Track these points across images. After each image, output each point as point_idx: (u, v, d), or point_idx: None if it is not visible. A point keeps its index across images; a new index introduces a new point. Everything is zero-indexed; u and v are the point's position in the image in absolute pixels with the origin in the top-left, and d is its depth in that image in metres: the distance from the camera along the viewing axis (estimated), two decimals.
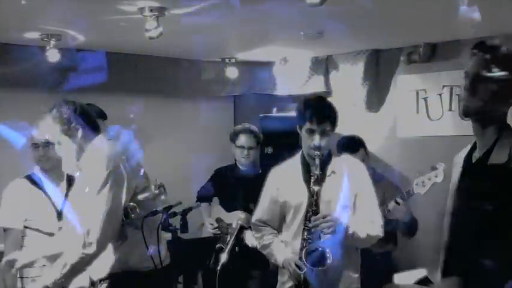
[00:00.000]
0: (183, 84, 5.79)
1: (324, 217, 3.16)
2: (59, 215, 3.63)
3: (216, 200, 4.95)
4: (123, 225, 3.02)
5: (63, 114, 3.13)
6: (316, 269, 3.17)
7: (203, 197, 4.95)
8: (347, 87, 5.51)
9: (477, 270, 2.08)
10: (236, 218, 4.49)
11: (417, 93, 5.17)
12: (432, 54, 5.04)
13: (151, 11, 3.66)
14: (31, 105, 5.08)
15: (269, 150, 4.90)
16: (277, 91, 6.12)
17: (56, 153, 3.48)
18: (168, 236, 3.41)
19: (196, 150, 5.07)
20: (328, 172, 3.31)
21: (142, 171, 3.23)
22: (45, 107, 4.28)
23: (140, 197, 3.03)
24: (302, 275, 3.18)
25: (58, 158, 3.49)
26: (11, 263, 3.23)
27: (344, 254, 3.26)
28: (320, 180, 3.26)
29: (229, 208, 4.69)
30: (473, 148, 2.30)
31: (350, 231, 3.22)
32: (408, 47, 5.14)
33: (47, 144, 3.57)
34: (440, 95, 5.02)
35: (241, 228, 3.68)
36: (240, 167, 4.83)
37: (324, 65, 5.68)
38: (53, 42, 4.52)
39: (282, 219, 3.47)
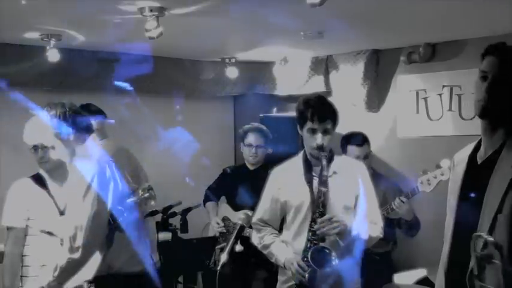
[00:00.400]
0: (183, 84, 5.79)
1: (329, 219, 3.16)
2: (62, 215, 3.63)
3: (223, 199, 4.96)
4: (111, 229, 2.99)
5: (53, 119, 3.11)
6: (321, 271, 3.17)
7: (211, 196, 4.95)
8: (347, 87, 5.51)
9: (484, 271, 2.08)
10: (239, 216, 4.48)
11: (417, 93, 5.17)
12: (432, 54, 5.05)
13: (151, 11, 3.66)
14: (31, 105, 5.12)
15: (269, 150, 4.90)
16: (277, 91, 6.12)
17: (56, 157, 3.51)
18: (167, 236, 3.41)
19: (196, 150, 5.06)
20: (330, 172, 3.30)
21: (142, 172, 3.22)
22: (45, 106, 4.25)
23: (129, 200, 3.00)
24: (307, 276, 3.18)
25: (59, 158, 3.51)
26: None
27: (346, 256, 3.26)
28: (325, 181, 3.27)
29: (237, 207, 4.68)
30: (477, 148, 2.28)
31: (354, 233, 3.22)
32: (408, 47, 5.15)
33: (45, 146, 3.56)
34: (440, 95, 5.02)
35: (242, 228, 3.66)
36: (249, 166, 4.84)
37: (324, 65, 5.68)
38: (53, 42, 4.52)
39: (283, 219, 3.47)
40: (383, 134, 5.35)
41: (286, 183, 3.42)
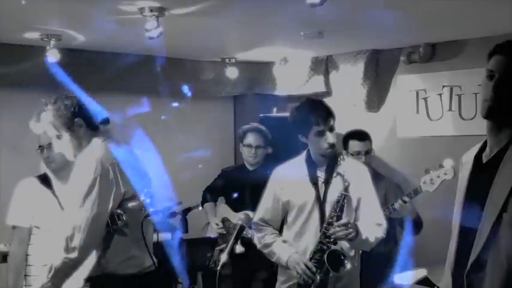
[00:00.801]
0: (183, 85, 5.79)
1: (346, 224, 3.16)
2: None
3: (221, 199, 4.93)
4: (109, 231, 2.97)
5: (67, 108, 3.08)
6: (333, 274, 3.18)
7: (209, 197, 4.93)
8: (347, 87, 5.51)
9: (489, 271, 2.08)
10: (238, 217, 4.47)
11: (417, 93, 5.17)
12: (432, 54, 5.05)
13: (151, 11, 3.66)
14: (31, 105, 5.12)
15: (269, 150, 4.89)
16: (277, 91, 6.12)
17: (60, 152, 3.48)
18: (167, 236, 3.41)
19: (196, 150, 5.06)
20: (334, 174, 3.32)
21: (146, 177, 3.20)
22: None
23: (130, 204, 2.98)
24: (318, 277, 3.19)
25: (65, 158, 3.46)
26: None
27: (350, 257, 3.27)
28: (327, 182, 3.28)
29: (237, 208, 4.64)
30: (483, 147, 2.28)
31: (364, 237, 3.23)
32: (408, 47, 5.15)
33: (51, 145, 3.56)
34: (440, 95, 5.02)
35: (242, 228, 3.66)
36: (248, 167, 4.81)
37: (324, 65, 5.68)
38: (53, 42, 4.53)
39: (284, 219, 3.47)
40: (383, 134, 5.35)
41: (289, 183, 3.42)
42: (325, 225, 3.22)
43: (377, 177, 4.40)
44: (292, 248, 3.36)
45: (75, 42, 4.77)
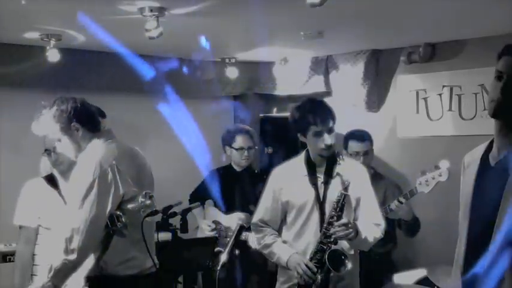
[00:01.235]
0: (183, 84, 5.79)
1: (346, 224, 3.16)
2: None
3: (209, 202, 4.81)
4: (108, 232, 2.97)
5: (63, 113, 3.09)
6: (334, 273, 3.18)
7: (196, 199, 4.75)
8: (347, 87, 5.51)
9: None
10: (237, 218, 4.46)
11: (417, 93, 5.17)
12: (432, 54, 5.04)
13: (151, 11, 3.66)
14: (31, 105, 5.12)
15: (269, 150, 4.88)
16: (277, 91, 6.12)
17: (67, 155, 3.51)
18: (167, 236, 3.40)
19: (196, 151, 5.06)
20: (334, 174, 3.31)
21: (148, 178, 3.21)
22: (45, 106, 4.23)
23: (129, 206, 2.97)
24: (319, 277, 3.19)
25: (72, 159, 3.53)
26: None
27: (350, 258, 3.27)
28: (326, 182, 3.28)
29: (227, 210, 4.60)
30: (489, 148, 2.27)
31: (363, 236, 3.23)
32: (408, 47, 5.14)
33: (55, 147, 3.59)
34: (440, 95, 5.02)
35: (241, 229, 3.66)
36: (236, 168, 4.75)
37: (324, 65, 5.68)
38: (53, 42, 4.53)
39: (283, 219, 3.47)
40: (383, 134, 5.35)
41: (288, 184, 3.42)
42: (325, 225, 3.22)
43: (376, 177, 4.41)
44: (292, 249, 3.36)
45: (75, 42, 4.77)
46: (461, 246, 2.25)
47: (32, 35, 4.49)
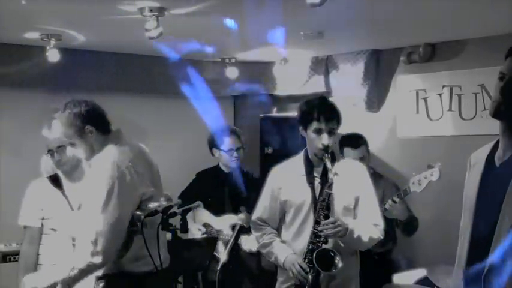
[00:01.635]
0: (183, 84, 5.79)
1: (333, 222, 3.16)
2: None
3: (199, 204, 4.58)
4: (129, 232, 2.98)
5: (76, 116, 3.09)
6: (325, 273, 3.17)
7: (185, 202, 4.74)
8: (347, 87, 5.51)
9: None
10: (228, 220, 4.44)
11: (417, 93, 5.17)
12: (432, 54, 5.05)
13: (151, 11, 3.66)
14: (31, 105, 5.13)
15: (269, 150, 4.86)
16: (277, 91, 6.12)
17: (71, 155, 3.54)
18: (168, 236, 3.41)
19: (196, 151, 5.05)
20: (331, 174, 3.30)
21: (160, 179, 3.24)
22: (45, 107, 4.29)
23: (150, 205, 2.97)
24: (310, 277, 3.18)
25: (76, 158, 3.56)
26: None
27: (346, 257, 3.26)
28: (331, 183, 3.27)
29: (217, 212, 4.50)
30: (494, 149, 2.27)
31: (355, 235, 3.23)
32: (408, 47, 5.15)
33: (60, 148, 3.60)
34: (440, 95, 5.02)
35: (241, 229, 3.66)
36: (224, 169, 4.66)
37: (324, 65, 5.68)
38: (53, 42, 4.53)
39: (282, 218, 3.47)
40: (383, 134, 5.35)
41: (287, 183, 3.42)
42: (314, 224, 3.23)
43: (375, 177, 4.41)
44: (289, 249, 3.36)
45: (75, 42, 4.77)
46: (464, 246, 2.25)
47: (32, 35, 4.50)
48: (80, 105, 3.11)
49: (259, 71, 6.10)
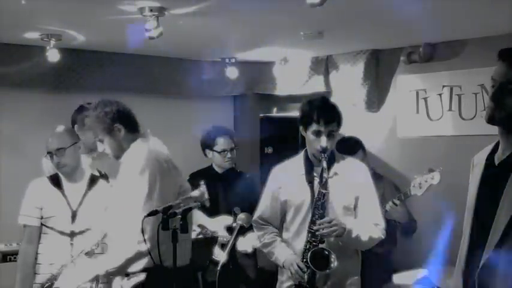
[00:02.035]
0: (183, 84, 5.79)
1: (329, 221, 3.16)
2: (73, 216, 3.68)
3: (198, 204, 4.74)
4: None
5: (107, 114, 3.24)
6: (320, 273, 3.17)
7: None
8: (347, 87, 5.51)
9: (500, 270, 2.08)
10: (223, 221, 4.43)
11: (417, 93, 5.17)
12: (432, 54, 5.04)
13: (151, 11, 3.66)
14: (31, 105, 5.13)
15: (269, 150, 4.85)
16: (277, 91, 6.12)
17: (70, 156, 3.64)
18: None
19: (196, 151, 5.05)
20: (331, 173, 3.30)
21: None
22: (45, 107, 4.32)
23: (192, 194, 3.13)
24: (306, 277, 3.19)
25: (75, 159, 3.67)
26: None
27: (346, 257, 3.26)
28: (326, 183, 3.27)
29: (211, 213, 4.46)
30: (495, 149, 2.28)
31: (353, 235, 3.22)
32: (408, 47, 5.14)
33: (59, 151, 3.66)
34: (440, 95, 5.02)
35: (241, 229, 3.65)
36: (217, 169, 4.66)
37: (324, 65, 5.68)
38: (53, 42, 4.53)
39: (283, 218, 3.47)
40: (383, 134, 5.35)
41: (287, 183, 3.43)
42: (310, 224, 3.23)
43: (375, 177, 4.40)
44: (289, 249, 3.36)
45: (75, 42, 4.77)
46: (464, 246, 2.26)
47: (32, 35, 4.50)
48: (111, 104, 3.29)
49: (259, 71, 6.10)
